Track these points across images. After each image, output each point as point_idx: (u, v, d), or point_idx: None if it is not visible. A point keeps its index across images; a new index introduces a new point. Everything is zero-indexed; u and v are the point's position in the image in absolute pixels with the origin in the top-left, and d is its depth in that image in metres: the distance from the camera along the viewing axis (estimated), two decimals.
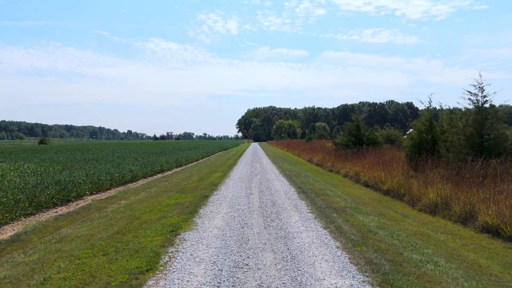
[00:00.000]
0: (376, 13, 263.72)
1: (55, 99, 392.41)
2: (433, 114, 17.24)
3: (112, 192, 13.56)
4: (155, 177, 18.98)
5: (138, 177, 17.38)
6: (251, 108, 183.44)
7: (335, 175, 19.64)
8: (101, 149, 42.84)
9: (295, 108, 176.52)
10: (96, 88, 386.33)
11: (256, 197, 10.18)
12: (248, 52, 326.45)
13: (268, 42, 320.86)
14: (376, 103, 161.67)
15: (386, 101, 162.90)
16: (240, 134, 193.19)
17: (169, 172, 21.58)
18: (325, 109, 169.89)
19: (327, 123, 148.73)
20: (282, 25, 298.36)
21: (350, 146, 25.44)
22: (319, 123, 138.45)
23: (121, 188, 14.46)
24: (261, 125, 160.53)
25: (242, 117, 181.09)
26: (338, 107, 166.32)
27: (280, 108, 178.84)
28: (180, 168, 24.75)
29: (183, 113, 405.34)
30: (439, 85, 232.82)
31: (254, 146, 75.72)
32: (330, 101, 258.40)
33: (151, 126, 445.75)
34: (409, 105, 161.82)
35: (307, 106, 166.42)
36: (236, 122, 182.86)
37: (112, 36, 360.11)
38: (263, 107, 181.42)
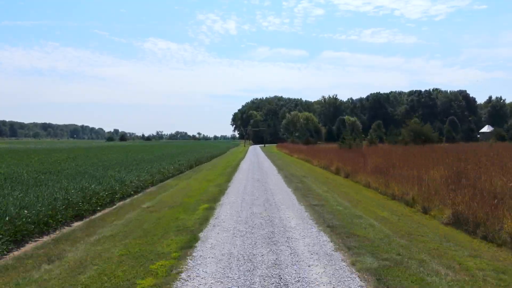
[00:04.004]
0: (375, 13, 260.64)
1: (54, 99, 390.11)
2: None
3: None
4: None
5: None
6: (251, 99, 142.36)
7: None
8: None
9: (307, 101, 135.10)
10: (95, 88, 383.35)
11: None
12: (247, 52, 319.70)
13: (267, 42, 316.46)
14: (420, 91, 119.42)
15: (432, 89, 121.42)
16: (237, 133, 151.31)
17: None
18: (351, 100, 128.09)
19: (355, 117, 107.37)
20: (281, 25, 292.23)
21: None
22: (347, 117, 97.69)
23: None
24: (264, 120, 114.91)
25: (239, 110, 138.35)
26: (368, 97, 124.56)
27: (288, 98, 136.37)
28: None
29: (183, 113, 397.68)
30: (439, 85, 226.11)
31: (256, 155, 35.20)
32: None
33: (150, 125, 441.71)
34: (463, 95, 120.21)
35: (325, 96, 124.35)
36: (232, 117, 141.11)
37: (112, 36, 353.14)
38: (266, 98, 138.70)
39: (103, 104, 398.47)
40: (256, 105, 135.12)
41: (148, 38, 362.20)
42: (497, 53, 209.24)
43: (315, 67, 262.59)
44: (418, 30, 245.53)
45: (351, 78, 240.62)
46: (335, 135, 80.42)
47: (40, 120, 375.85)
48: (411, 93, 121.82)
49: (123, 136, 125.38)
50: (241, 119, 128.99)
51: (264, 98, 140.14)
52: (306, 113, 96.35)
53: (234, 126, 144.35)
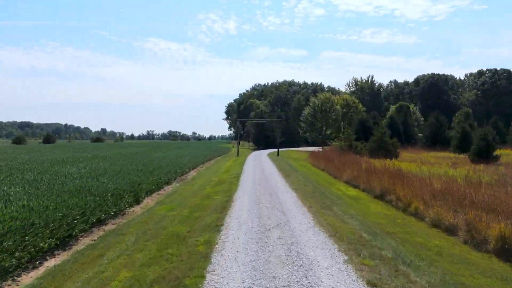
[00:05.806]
0: (376, 13, 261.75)
1: (53, 99, 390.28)
2: None
3: None
4: None
5: None
6: (251, 86, 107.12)
7: None
8: None
9: (329, 86, 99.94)
10: (95, 88, 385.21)
11: None
12: (247, 52, 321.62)
13: (267, 42, 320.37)
14: (496, 70, 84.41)
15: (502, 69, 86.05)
16: (232, 131, 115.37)
17: None
18: (394, 83, 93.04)
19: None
20: (281, 25, 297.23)
21: None
22: (399, 102, 62.76)
23: None
24: (270, 112, 79.86)
25: (235, 101, 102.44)
26: (418, 79, 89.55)
27: (304, 82, 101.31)
28: None
29: (181, 113, 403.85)
30: None
31: None
32: None
33: (149, 125, 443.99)
34: None
35: (357, 78, 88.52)
36: (225, 108, 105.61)
37: (112, 36, 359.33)
38: (273, 83, 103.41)
39: (102, 104, 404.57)
40: (259, 92, 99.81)
41: (148, 38, 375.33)
42: (497, 53, 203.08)
43: (315, 67, 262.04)
44: (418, 30, 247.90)
45: (351, 78, 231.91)
46: (402, 132, 45.13)
47: (37, 120, 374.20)
48: (480, 74, 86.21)
49: (49, 137, 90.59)
50: (238, 112, 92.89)
51: (269, 83, 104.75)
52: (347, 95, 60.28)
53: (230, 121, 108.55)
